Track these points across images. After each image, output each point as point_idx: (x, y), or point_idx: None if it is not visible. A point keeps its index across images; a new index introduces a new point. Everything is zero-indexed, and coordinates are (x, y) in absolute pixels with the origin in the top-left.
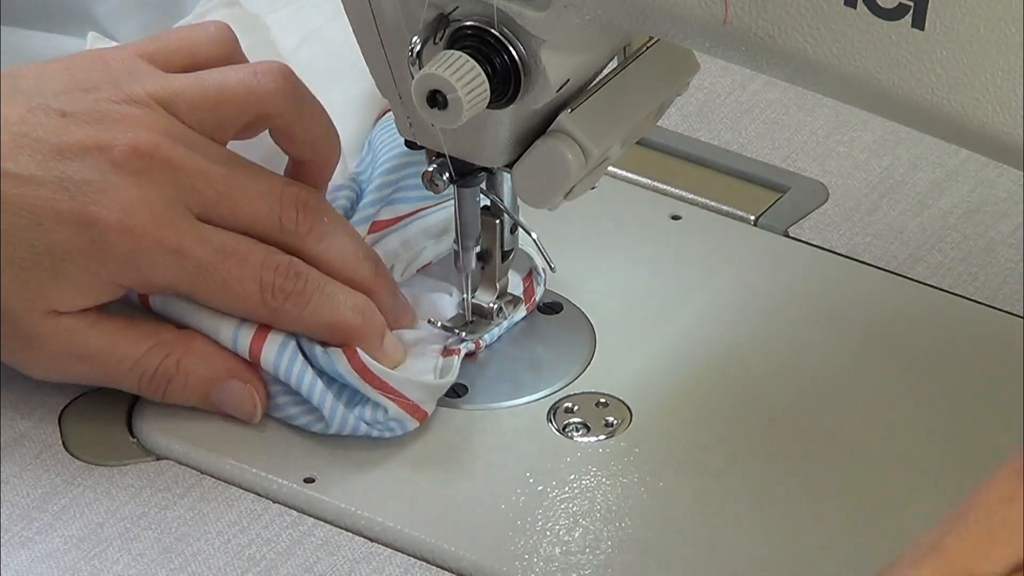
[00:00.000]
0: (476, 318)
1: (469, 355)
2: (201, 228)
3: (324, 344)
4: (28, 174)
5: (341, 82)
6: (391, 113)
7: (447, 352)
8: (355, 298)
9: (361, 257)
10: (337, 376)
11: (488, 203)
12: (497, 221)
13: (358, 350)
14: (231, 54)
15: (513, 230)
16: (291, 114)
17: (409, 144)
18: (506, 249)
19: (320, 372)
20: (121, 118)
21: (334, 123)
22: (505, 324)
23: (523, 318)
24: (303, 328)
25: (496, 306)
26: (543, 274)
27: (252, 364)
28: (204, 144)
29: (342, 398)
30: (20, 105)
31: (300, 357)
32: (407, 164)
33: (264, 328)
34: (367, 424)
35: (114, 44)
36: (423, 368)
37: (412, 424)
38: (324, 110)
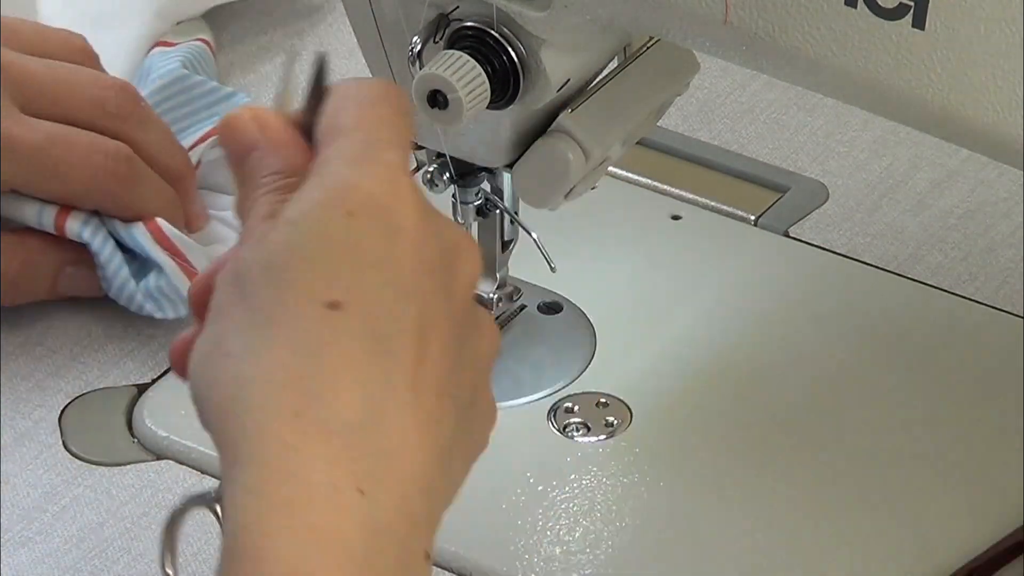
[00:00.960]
0: None
1: None
2: (30, 118)
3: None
4: None
5: (110, 27)
6: (161, 48)
7: None
8: (169, 192)
9: (175, 146)
10: (132, 242)
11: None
12: (496, 211)
13: (157, 219)
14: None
15: (512, 222)
16: (133, 137)
17: None
18: (506, 239)
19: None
20: None
21: (109, 72)
22: None
23: (522, 310)
24: (128, 214)
25: (496, 296)
26: None
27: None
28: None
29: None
30: None
31: (103, 228)
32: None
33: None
34: (145, 296)
35: None
36: None
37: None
38: (167, 130)
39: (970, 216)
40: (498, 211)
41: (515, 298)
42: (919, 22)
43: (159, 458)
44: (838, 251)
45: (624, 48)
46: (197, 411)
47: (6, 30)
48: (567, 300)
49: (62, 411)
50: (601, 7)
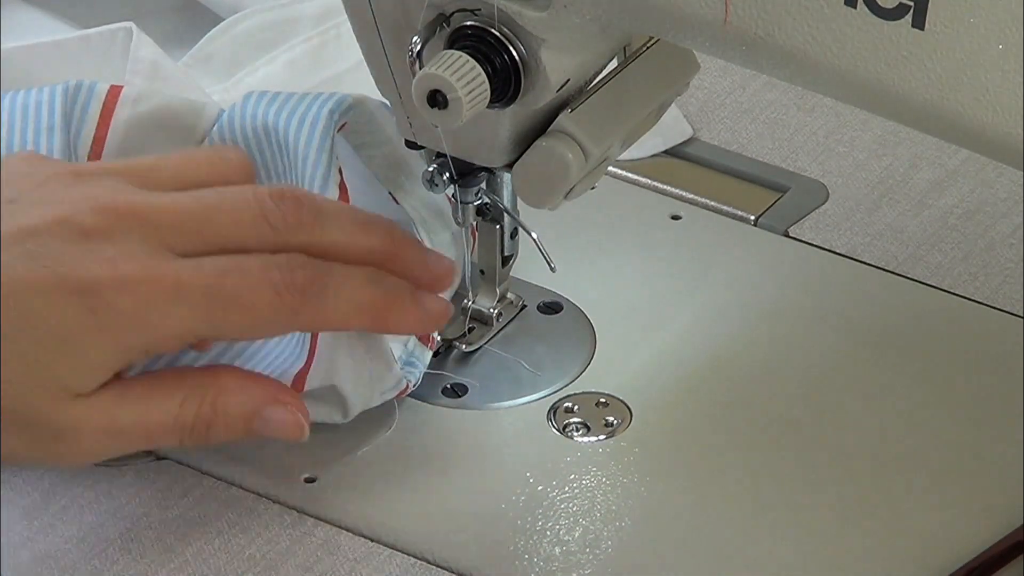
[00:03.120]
0: (476, 324)
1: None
2: (193, 259)
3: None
4: None
5: None
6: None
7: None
8: (364, 271)
9: (366, 225)
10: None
11: (487, 202)
12: (497, 227)
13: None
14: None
15: (513, 235)
16: (314, 241)
17: (409, 144)
18: (506, 255)
19: None
20: (69, 196)
21: None
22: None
23: (522, 310)
24: (335, 320)
25: (496, 311)
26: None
27: (285, 385)
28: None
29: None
30: None
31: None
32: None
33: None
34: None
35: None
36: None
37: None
38: (350, 212)
39: (970, 216)
40: (499, 227)
41: (516, 304)
42: (919, 22)
43: (159, 458)
44: (838, 251)
45: (624, 48)
46: None
47: (144, 170)
48: (567, 300)
49: None
50: (601, 7)
